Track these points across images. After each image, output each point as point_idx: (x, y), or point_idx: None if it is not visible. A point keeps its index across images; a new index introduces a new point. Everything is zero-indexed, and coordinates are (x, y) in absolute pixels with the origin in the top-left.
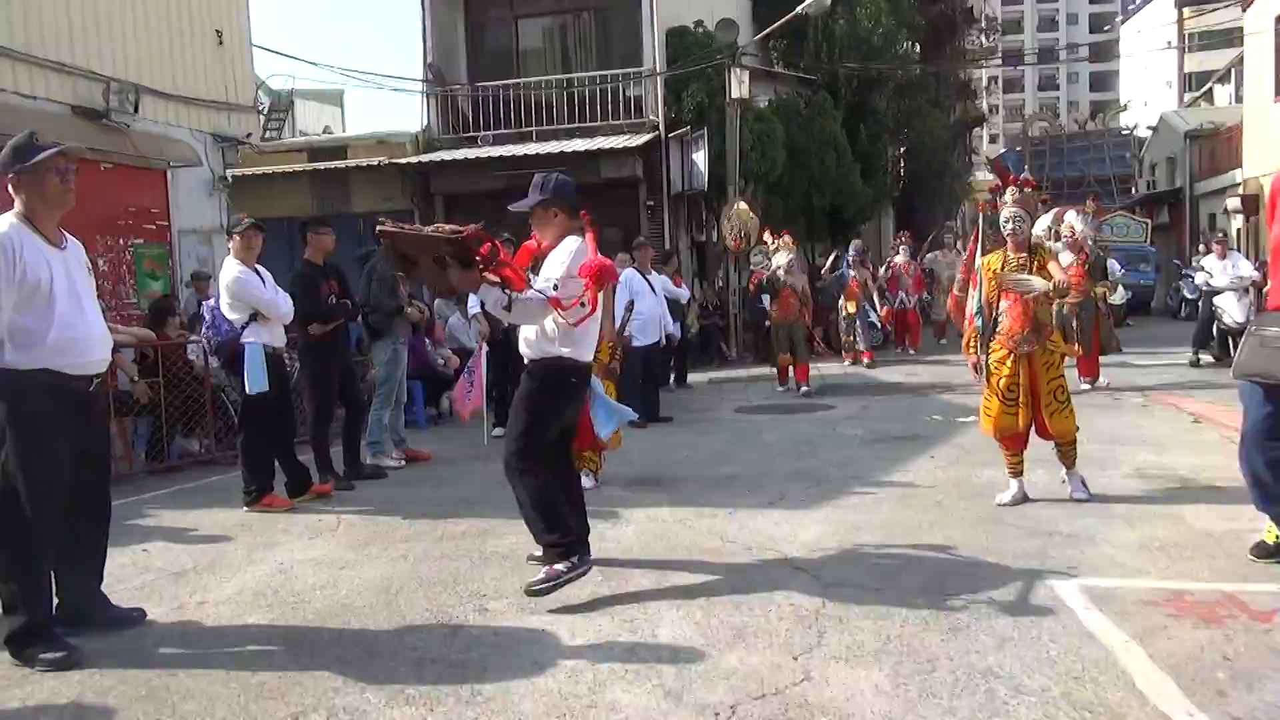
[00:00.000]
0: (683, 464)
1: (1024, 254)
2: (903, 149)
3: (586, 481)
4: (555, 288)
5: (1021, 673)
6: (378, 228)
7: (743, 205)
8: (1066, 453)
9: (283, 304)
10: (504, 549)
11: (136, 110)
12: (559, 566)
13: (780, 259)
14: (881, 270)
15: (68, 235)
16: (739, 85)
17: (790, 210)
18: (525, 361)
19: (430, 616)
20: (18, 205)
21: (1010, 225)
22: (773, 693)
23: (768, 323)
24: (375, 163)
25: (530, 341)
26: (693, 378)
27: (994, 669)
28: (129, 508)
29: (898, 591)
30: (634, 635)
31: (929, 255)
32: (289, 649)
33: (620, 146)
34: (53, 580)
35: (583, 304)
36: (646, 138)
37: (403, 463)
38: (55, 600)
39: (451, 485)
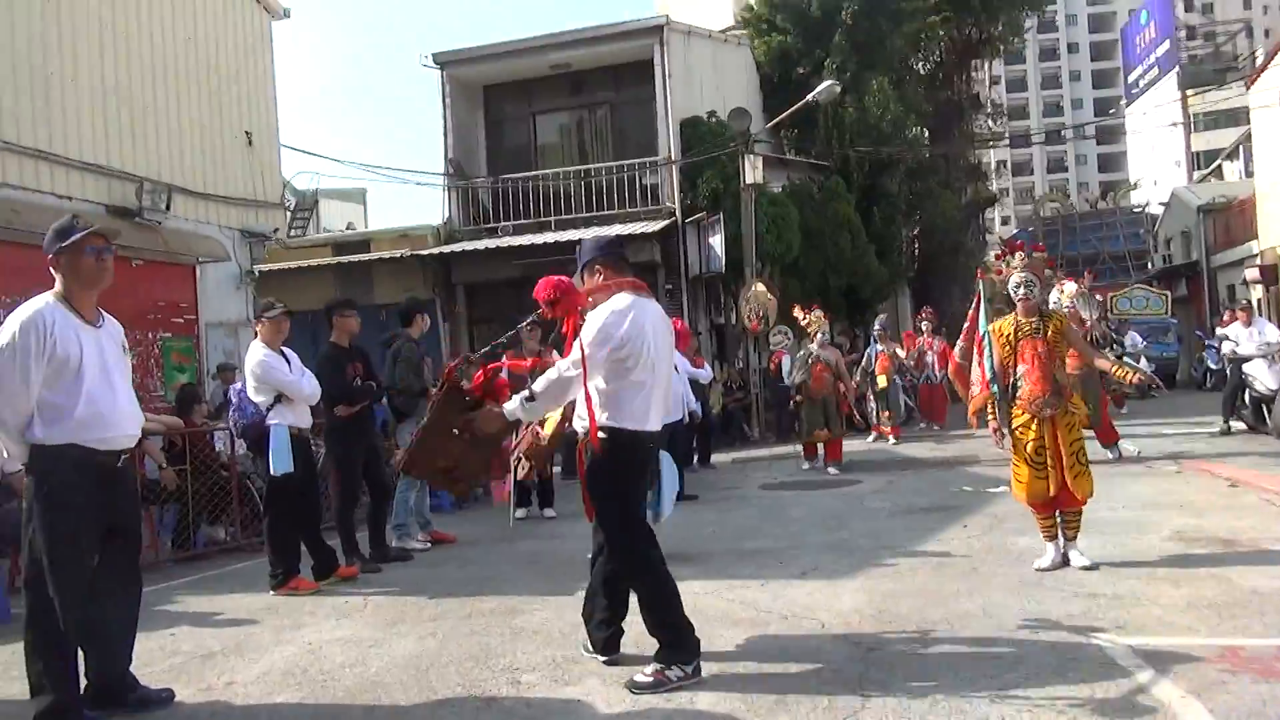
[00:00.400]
0: (710, 539)
1: (1035, 318)
2: (916, 230)
3: None
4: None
5: None
6: (400, 468)
7: (760, 287)
8: (1072, 522)
9: (307, 386)
10: (534, 624)
11: (168, 208)
12: (670, 674)
13: (804, 352)
14: (902, 353)
15: (105, 314)
16: (753, 170)
17: (807, 291)
18: (582, 438)
19: (463, 690)
20: (57, 284)
21: (1021, 290)
22: None
23: (797, 397)
24: (398, 255)
25: (580, 416)
26: (716, 458)
27: None
28: (156, 594)
29: (941, 655)
30: (670, 704)
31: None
32: None
33: (638, 232)
34: (80, 661)
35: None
36: (663, 223)
37: (428, 545)
38: (84, 682)
39: (477, 565)
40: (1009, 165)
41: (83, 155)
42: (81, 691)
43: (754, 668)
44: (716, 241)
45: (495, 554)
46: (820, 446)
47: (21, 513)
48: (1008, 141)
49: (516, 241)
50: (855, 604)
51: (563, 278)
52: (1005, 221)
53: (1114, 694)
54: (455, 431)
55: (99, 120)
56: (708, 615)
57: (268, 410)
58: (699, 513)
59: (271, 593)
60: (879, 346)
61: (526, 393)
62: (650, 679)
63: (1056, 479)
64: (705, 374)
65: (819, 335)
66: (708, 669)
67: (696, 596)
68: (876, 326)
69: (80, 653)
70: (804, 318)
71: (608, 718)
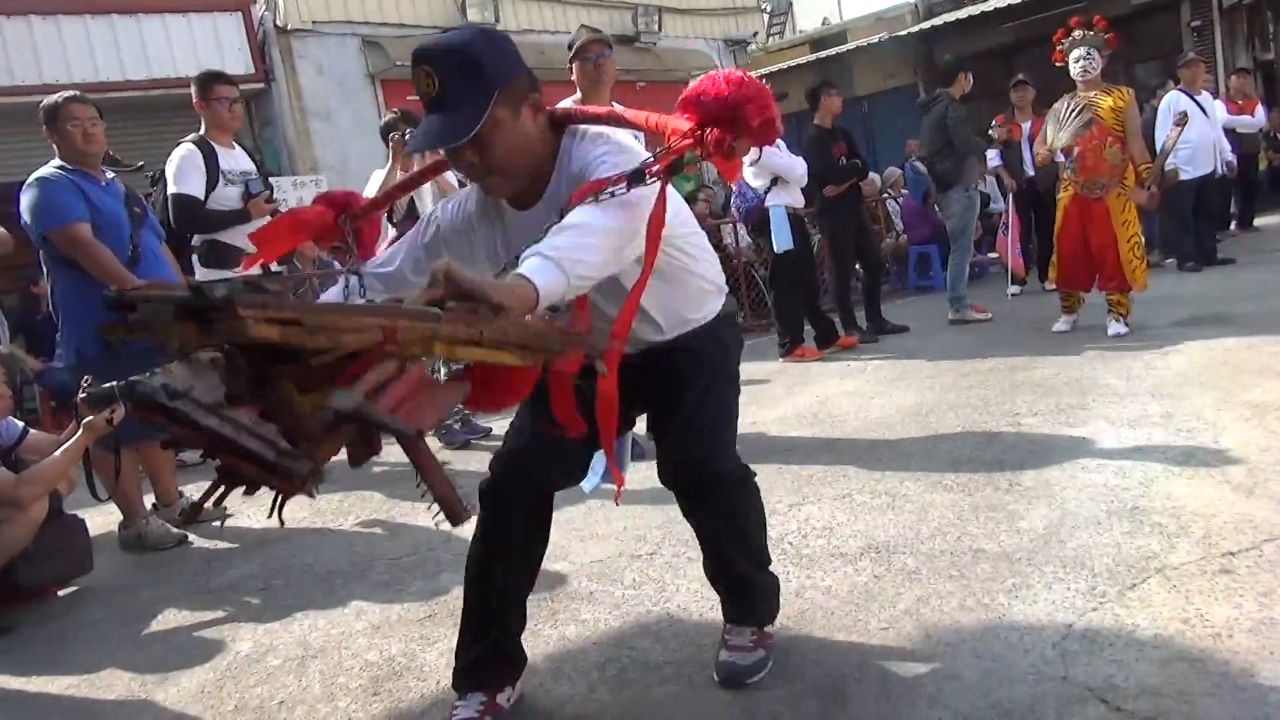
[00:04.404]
0: (1249, 300)
1: None
2: None
3: (1118, 327)
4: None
5: None
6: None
7: None
8: None
9: (798, 166)
10: (1035, 379)
11: (660, 30)
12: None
13: None
14: None
15: None
16: None
17: None
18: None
19: (961, 430)
20: (576, 91)
21: None
22: None
23: None
24: (875, 40)
25: (691, 297)
26: (1261, 221)
27: None
28: None
29: None
30: (1191, 441)
31: None
32: (832, 452)
33: None
34: None
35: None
36: None
37: (988, 315)
38: None
39: (976, 333)
40: None
41: None
42: None
43: None
44: None
45: (995, 324)
46: None
47: None
48: None
49: (1003, 2)
50: None
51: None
52: None
53: None
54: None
55: None
56: (1239, 368)
57: (765, 193)
58: (1236, 276)
59: (781, 359)
60: None
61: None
62: (757, 659)
63: None
64: (1252, 120)
65: None
66: (1241, 414)
67: (1227, 352)
68: None
69: None
70: None
71: (1117, 452)
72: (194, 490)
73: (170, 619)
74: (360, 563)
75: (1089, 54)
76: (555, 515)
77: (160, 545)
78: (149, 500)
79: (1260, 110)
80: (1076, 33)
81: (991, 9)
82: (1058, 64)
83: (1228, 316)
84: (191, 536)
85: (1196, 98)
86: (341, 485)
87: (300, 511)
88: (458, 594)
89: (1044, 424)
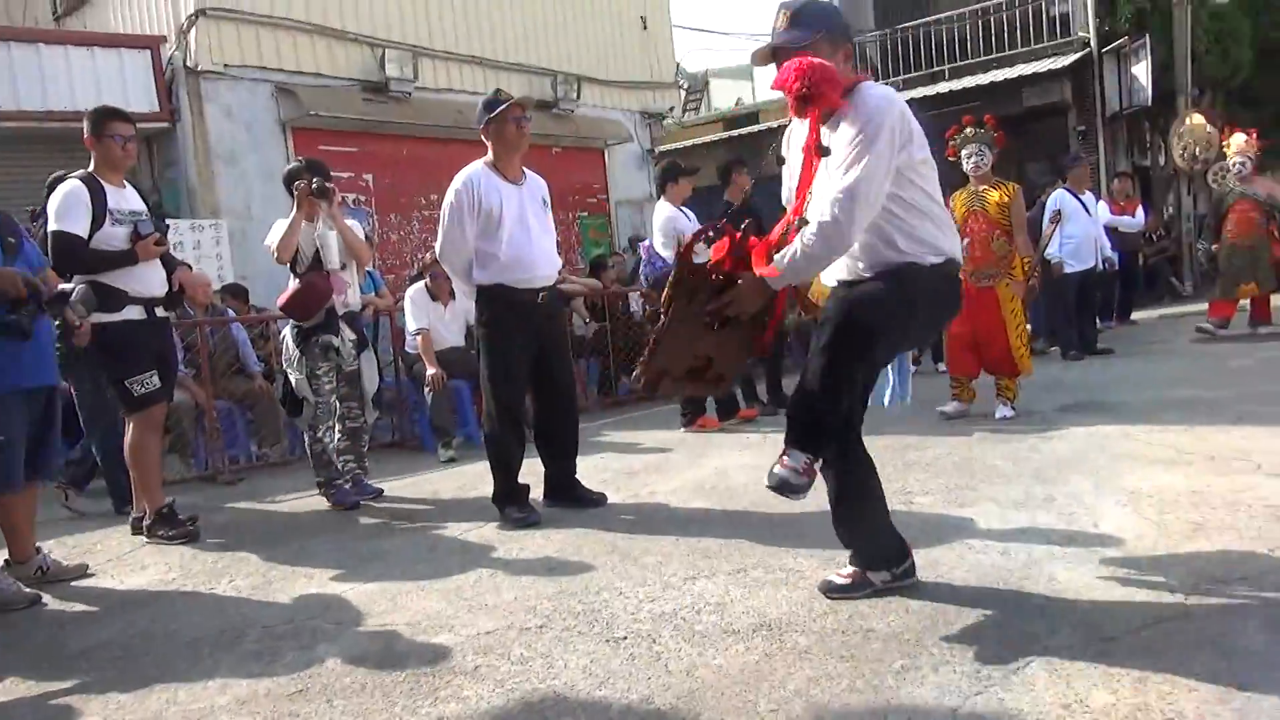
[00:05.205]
0: (1128, 389)
1: None
2: None
3: (1005, 411)
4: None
5: None
6: (642, 389)
7: (1197, 119)
8: None
9: None
10: (926, 459)
11: (578, 97)
12: (875, 576)
13: (1233, 162)
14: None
15: (529, 173)
16: None
17: (1261, 120)
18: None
19: None
20: (488, 153)
21: None
22: (1239, 579)
23: (1214, 246)
24: (786, 122)
25: (866, 248)
26: (1139, 315)
27: None
28: (587, 431)
29: None
30: (1071, 525)
31: None
32: (729, 525)
33: (1045, 70)
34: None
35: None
36: (1075, 56)
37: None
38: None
39: (871, 412)
40: None
41: (508, 56)
42: (521, 484)
43: (1170, 499)
44: (1141, 70)
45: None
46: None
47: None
48: None
49: (906, 96)
50: None
51: (814, 59)
52: None
53: None
54: (706, 321)
55: (517, 23)
56: (1117, 454)
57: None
58: (1116, 365)
59: (682, 430)
60: (1238, 189)
61: (795, 248)
62: (849, 583)
63: None
64: (1134, 221)
65: (1237, 166)
66: (1118, 499)
67: (1106, 438)
68: (1234, 161)
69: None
70: (1218, 144)
71: (1002, 533)
72: (54, 546)
73: (11, 689)
74: (231, 630)
75: (980, 150)
76: (442, 583)
77: (10, 605)
78: (0, 555)
79: (1140, 211)
80: (968, 130)
81: None
82: (950, 159)
83: (1106, 404)
84: (46, 597)
85: (1081, 196)
86: (218, 546)
87: (170, 574)
88: (333, 667)
89: (934, 503)
